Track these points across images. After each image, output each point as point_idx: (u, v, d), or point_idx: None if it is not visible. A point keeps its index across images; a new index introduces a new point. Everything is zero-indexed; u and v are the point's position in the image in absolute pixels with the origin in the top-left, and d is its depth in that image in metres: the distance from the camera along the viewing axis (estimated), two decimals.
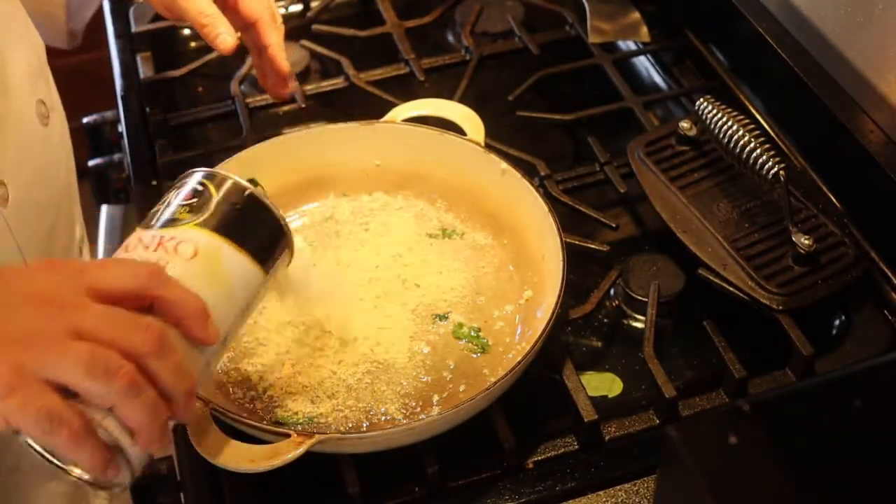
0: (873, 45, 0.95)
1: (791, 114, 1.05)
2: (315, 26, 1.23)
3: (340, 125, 0.97)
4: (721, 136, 0.91)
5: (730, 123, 0.91)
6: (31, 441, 0.59)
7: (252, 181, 0.95)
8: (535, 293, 0.88)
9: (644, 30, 1.17)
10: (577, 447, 0.80)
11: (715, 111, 0.93)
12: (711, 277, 0.87)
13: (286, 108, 1.14)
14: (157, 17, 1.25)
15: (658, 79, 1.19)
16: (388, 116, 0.99)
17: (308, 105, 1.11)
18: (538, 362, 0.79)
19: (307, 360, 0.83)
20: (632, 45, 1.20)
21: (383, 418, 0.80)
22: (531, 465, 0.79)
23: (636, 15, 1.18)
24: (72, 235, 0.99)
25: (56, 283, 0.60)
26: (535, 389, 0.81)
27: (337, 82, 1.14)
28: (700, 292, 0.89)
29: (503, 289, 0.89)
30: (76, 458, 0.59)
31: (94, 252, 1.17)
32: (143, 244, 0.67)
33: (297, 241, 0.76)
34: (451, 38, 1.25)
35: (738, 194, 0.93)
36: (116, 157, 1.18)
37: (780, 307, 0.85)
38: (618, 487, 0.77)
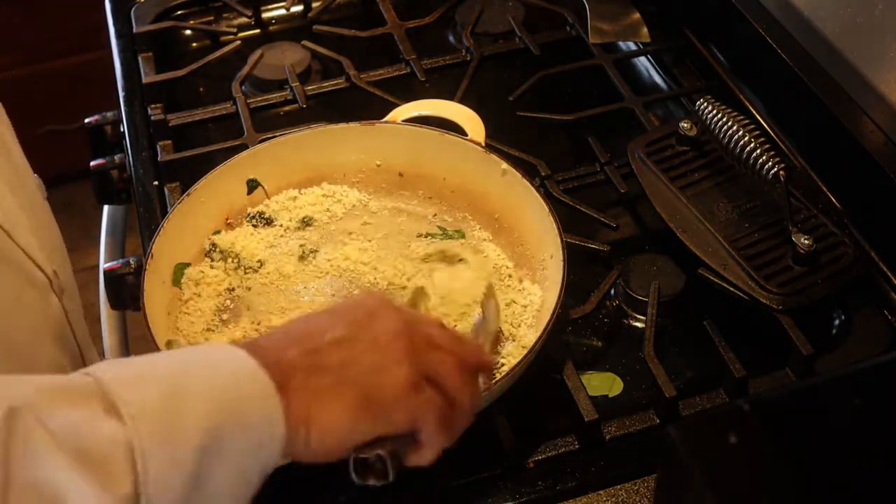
0: (873, 45, 0.95)
1: (791, 114, 1.05)
2: (316, 27, 1.23)
3: (341, 125, 0.97)
4: (721, 136, 0.92)
5: (730, 123, 0.91)
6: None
7: (252, 181, 0.96)
8: (536, 293, 0.88)
9: (644, 30, 1.17)
10: (577, 447, 0.80)
11: (715, 111, 0.93)
12: (711, 277, 0.88)
13: (287, 108, 1.14)
14: (158, 18, 1.25)
15: (658, 79, 1.19)
16: (388, 117, 1.00)
17: (309, 105, 1.11)
18: (538, 362, 0.79)
19: None
20: (632, 46, 1.20)
21: None
22: (532, 465, 0.79)
23: (636, 15, 1.18)
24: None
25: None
26: (536, 389, 0.81)
27: (338, 82, 1.14)
28: (700, 292, 0.89)
29: (503, 288, 0.89)
30: (430, 456, 0.65)
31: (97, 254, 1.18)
32: None
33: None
34: (451, 38, 1.25)
35: (738, 194, 0.93)
36: (118, 157, 1.17)
37: (780, 307, 0.85)
38: (618, 487, 0.78)
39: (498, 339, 0.83)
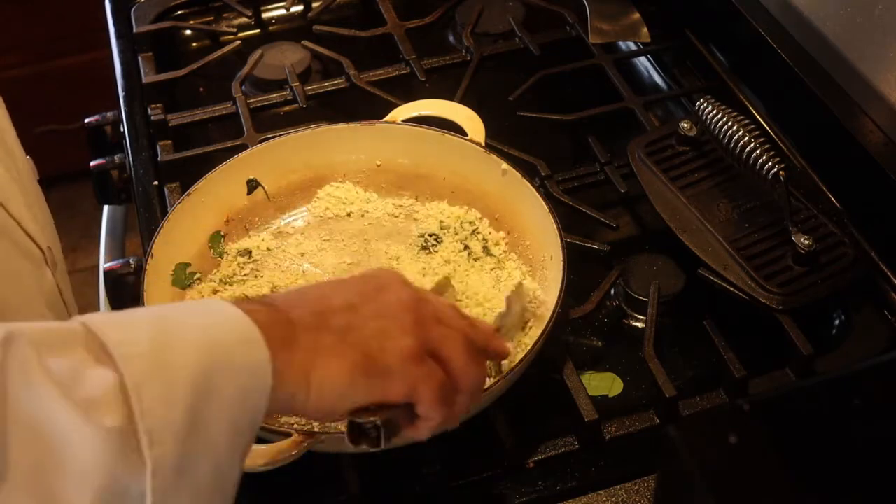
0: (873, 45, 0.95)
1: (791, 114, 1.05)
2: (316, 27, 1.23)
3: (341, 125, 0.98)
4: (721, 136, 0.92)
5: (730, 123, 0.91)
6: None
7: (252, 181, 0.96)
8: (536, 293, 0.88)
9: (644, 30, 1.17)
10: (577, 446, 0.81)
11: (715, 111, 0.93)
12: (711, 277, 0.88)
13: (287, 108, 1.14)
14: (158, 18, 1.25)
15: (658, 79, 1.19)
16: (388, 117, 1.00)
17: (309, 105, 1.11)
18: (538, 362, 0.79)
19: None
20: (632, 46, 1.20)
21: None
22: (532, 465, 0.79)
23: (636, 15, 1.18)
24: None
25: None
26: (536, 389, 0.81)
27: (338, 82, 1.14)
28: (700, 292, 0.89)
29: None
30: (429, 428, 0.65)
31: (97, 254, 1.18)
32: None
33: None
34: (451, 38, 1.25)
35: (738, 194, 0.93)
36: (118, 157, 1.17)
37: (780, 307, 0.85)
38: (618, 487, 0.78)
39: (517, 335, 0.83)
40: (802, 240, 0.86)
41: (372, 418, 0.61)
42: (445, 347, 0.64)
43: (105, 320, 0.53)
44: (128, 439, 0.49)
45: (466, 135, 0.96)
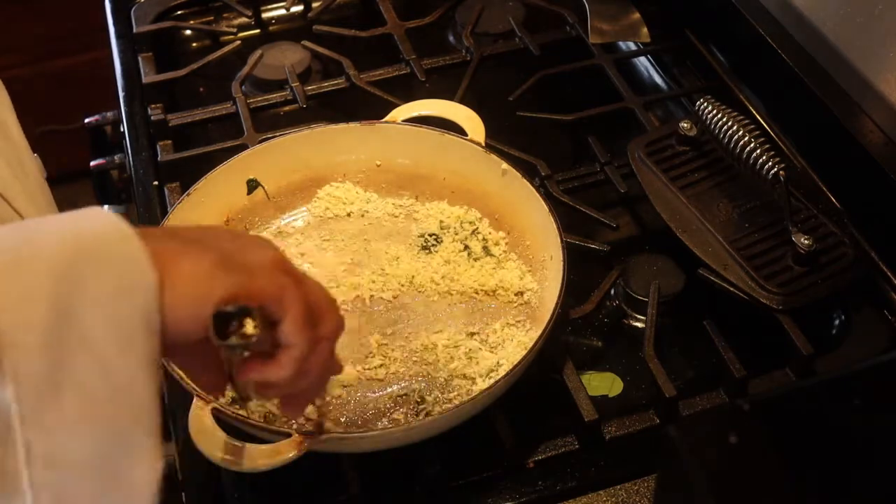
0: (873, 45, 0.95)
1: (791, 114, 1.05)
2: (316, 27, 1.23)
3: (341, 125, 0.98)
4: (721, 136, 0.92)
5: (730, 123, 0.91)
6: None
7: (252, 181, 0.96)
8: (536, 293, 0.88)
9: (644, 30, 1.17)
10: (577, 446, 0.81)
11: (715, 111, 0.93)
12: (711, 277, 0.88)
13: (287, 108, 1.14)
14: (158, 18, 1.25)
15: (658, 79, 1.19)
16: (388, 117, 1.00)
17: (309, 105, 1.11)
18: (538, 362, 0.79)
19: None
20: (632, 46, 1.20)
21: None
22: (532, 465, 0.79)
23: (636, 15, 1.18)
24: None
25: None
26: (536, 389, 0.81)
27: (338, 82, 1.14)
28: (700, 292, 0.89)
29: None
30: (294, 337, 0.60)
31: None
32: None
33: None
34: (451, 38, 1.25)
35: (738, 194, 0.93)
36: (118, 157, 1.17)
37: (780, 307, 0.85)
38: (618, 487, 0.78)
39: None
40: (802, 240, 0.86)
41: (236, 307, 0.56)
42: (307, 283, 0.61)
43: None
44: None
45: (466, 135, 0.96)
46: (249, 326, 0.57)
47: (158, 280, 0.51)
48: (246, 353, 0.59)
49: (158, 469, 0.51)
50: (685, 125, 0.97)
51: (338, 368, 0.68)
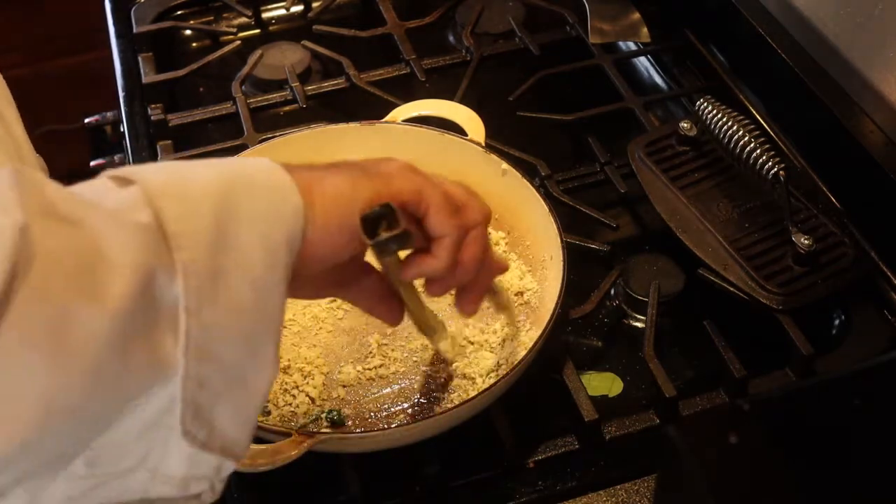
0: (873, 45, 0.96)
1: (791, 114, 1.05)
2: (316, 27, 1.23)
3: (341, 125, 0.97)
4: (721, 136, 0.92)
5: (730, 123, 0.91)
6: None
7: None
8: (536, 293, 0.88)
9: (644, 30, 1.17)
10: (577, 446, 0.80)
11: (715, 111, 0.93)
12: (711, 277, 0.88)
13: (287, 108, 1.14)
14: (158, 18, 1.25)
15: (658, 79, 1.19)
16: (388, 117, 1.00)
17: (309, 105, 1.11)
18: (538, 362, 0.79)
19: (309, 362, 0.84)
20: (632, 46, 1.20)
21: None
22: (532, 465, 0.79)
23: (636, 15, 1.18)
24: None
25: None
26: (536, 389, 0.81)
27: (338, 82, 1.14)
28: (700, 292, 0.89)
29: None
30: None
31: None
32: None
33: None
34: (451, 38, 1.25)
35: (738, 194, 0.93)
36: (118, 157, 1.18)
37: (780, 307, 0.85)
38: (618, 487, 0.78)
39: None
40: (802, 240, 0.86)
41: (380, 207, 0.61)
42: (441, 179, 0.66)
43: (127, 171, 0.54)
44: (159, 238, 0.50)
45: (466, 135, 0.96)
46: (396, 222, 0.61)
47: (303, 204, 0.57)
48: (401, 253, 0.64)
49: (273, 378, 0.56)
50: (685, 125, 0.97)
51: (502, 264, 0.75)
